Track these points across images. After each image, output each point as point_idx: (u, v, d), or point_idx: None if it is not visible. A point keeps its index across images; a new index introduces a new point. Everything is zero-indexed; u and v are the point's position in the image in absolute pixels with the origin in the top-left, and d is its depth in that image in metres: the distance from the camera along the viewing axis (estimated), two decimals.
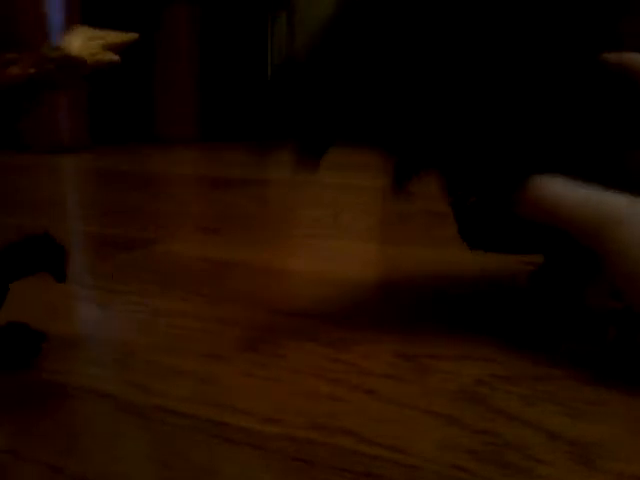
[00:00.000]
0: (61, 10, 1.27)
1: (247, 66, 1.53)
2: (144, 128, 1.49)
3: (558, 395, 0.31)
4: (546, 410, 0.29)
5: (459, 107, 0.34)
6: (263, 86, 0.36)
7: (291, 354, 0.36)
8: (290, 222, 0.74)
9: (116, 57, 0.29)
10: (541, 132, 0.34)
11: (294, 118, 0.37)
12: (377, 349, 0.36)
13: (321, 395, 0.31)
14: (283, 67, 0.38)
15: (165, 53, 1.42)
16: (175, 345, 0.37)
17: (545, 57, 0.33)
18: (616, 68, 0.34)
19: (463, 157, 0.35)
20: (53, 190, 0.96)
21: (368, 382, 0.32)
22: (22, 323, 0.33)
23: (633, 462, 0.25)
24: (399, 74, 0.34)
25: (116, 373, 0.33)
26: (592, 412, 0.29)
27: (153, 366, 0.34)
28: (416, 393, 0.31)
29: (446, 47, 0.34)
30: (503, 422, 0.28)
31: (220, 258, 0.56)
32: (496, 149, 0.34)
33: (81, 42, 0.29)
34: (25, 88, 0.28)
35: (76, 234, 0.69)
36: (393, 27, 0.34)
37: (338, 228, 0.69)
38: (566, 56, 0.34)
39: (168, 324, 0.40)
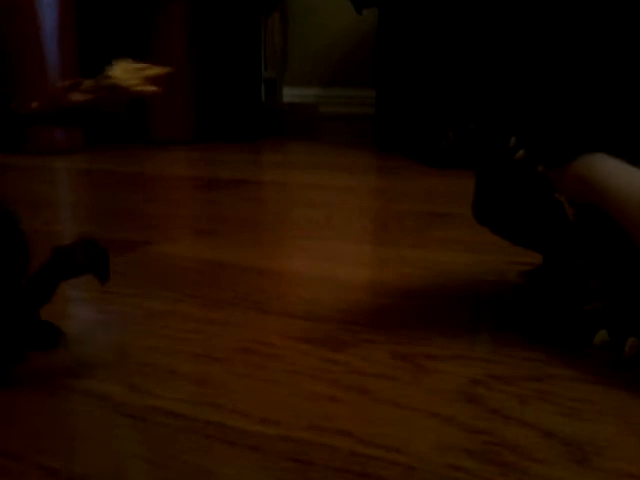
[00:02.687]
0: (55, 10, 1.26)
1: (241, 67, 1.53)
2: (138, 130, 1.48)
3: (553, 394, 0.31)
4: (541, 409, 0.30)
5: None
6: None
7: (287, 355, 0.36)
8: (284, 223, 0.74)
9: (156, 89, 0.33)
10: (603, 110, 0.34)
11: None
12: (373, 350, 0.36)
13: (318, 396, 0.31)
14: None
15: (159, 54, 1.42)
16: (171, 347, 0.37)
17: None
18: None
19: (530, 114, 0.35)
20: (47, 192, 0.96)
21: (364, 383, 0.32)
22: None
23: (628, 460, 0.26)
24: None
25: (112, 375, 0.33)
26: (587, 411, 0.29)
27: (149, 368, 0.34)
28: (412, 393, 0.31)
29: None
30: (499, 421, 0.28)
31: (215, 260, 0.56)
32: (565, 115, 0.34)
33: (125, 73, 0.32)
34: (80, 112, 0.32)
35: (70, 236, 0.69)
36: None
37: (331, 229, 0.69)
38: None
39: (164, 326, 0.40)
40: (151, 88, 0.33)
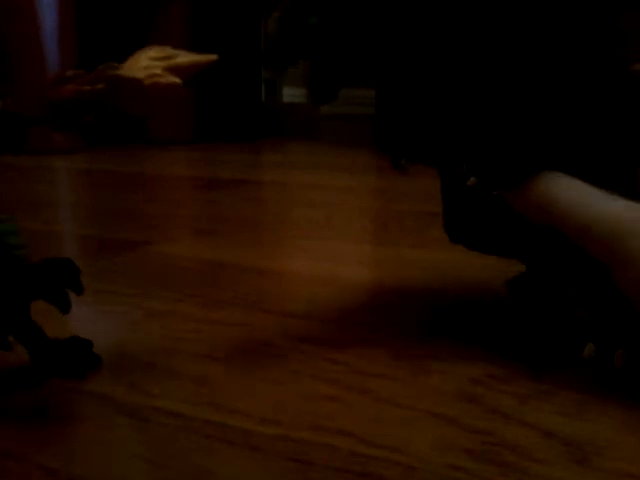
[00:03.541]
0: (55, 10, 1.26)
1: (241, 67, 1.53)
2: (138, 130, 1.48)
3: (553, 394, 0.31)
4: (541, 409, 0.30)
5: (474, 92, 0.34)
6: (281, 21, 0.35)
7: (287, 355, 0.36)
8: (284, 223, 0.74)
9: (176, 79, 0.28)
10: (555, 127, 0.33)
11: (311, 50, 0.35)
12: (373, 350, 0.36)
13: (318, 396, 0.31)
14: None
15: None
16: (171, 347, 0.37)
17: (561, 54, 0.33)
18: None
19: (474, 138, 0.34)
20: (47, 192, 0.96)
21: (365, 382, 0.32)
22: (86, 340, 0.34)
23: (628, 460, 0.26)
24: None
25: (112, 375, 0.33)
26: (587, 411, 0.29)
27: (149, 368, 0.34)
28: (413, 393, 0.31)
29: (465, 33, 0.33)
30: (499, 421, 0.28)
31: (215, 259, 0.56)
32: (510, 136, 0.34)
33: (144, 62, 0.28)
34: (75, 105, 0.28)
35: (70, 236, 0.69)
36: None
37: (331, 229, 0.69)
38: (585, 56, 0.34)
39: (164, 326, 0.40)
40: (172, 79, 0.28)
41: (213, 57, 0.29)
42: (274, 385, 0.32)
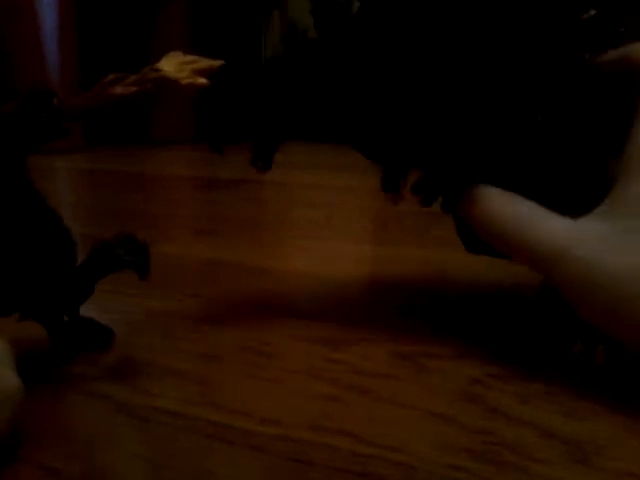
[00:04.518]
0: (55, 10, 1.26)
1: (241, 66, 1.54)
2: (139, 129, 1.48)
3: (553, 394, 0.31)
4: (541, 409, 0.30)
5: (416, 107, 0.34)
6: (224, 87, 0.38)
7: (287, 354, 0.36)
8: (284, 223, 0.74)
9: (206, 81, 0.32)
10: (490, 139, 0.33)
11: (249, 118, 0.39)
12: (373, 349, 0.36)
13: (318, 395, 0.31)
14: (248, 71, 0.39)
15: (159, 54, 1.42)
16: (171, 346, 0.37)
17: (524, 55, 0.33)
18: (613, 64, 0.33)
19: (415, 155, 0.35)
20: (47, 191, 0.96)
21: (365, 382, 0.32)
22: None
23: (629, 460, 0.26)
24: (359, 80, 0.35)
25: (112, 374, 0.33)
26: (587, 410, 0.29)
27: (149, 367, 0.34)
28: (413, 393, 0.31)
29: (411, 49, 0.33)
30: (499, 421, 0.28)
31: (215, 259, 0.56)
32: (444, 150, 0.34)
33: (175, 66, 0.32)
34: (125, 105, 0.31)
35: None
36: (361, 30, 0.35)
37: (331, 229, 0.69)
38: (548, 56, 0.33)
39: (164, 325, 0.40)
40: (201, 80, 0.32)
41: (221, 62, 0.34)
42: (274, 385, 0.32)
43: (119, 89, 0.31)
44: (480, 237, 0.33)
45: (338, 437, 0.27)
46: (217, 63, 0.33)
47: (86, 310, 0.37)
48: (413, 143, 0.34)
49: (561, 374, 0.33)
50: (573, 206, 0.31)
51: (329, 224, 0.72)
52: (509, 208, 0.32)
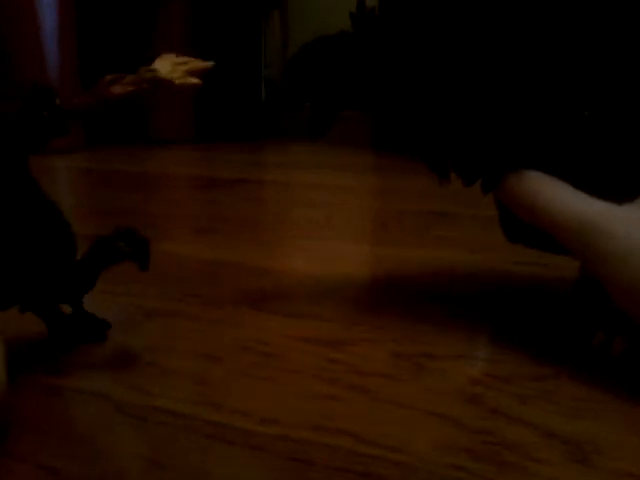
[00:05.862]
0: (55, 10, 1.26)
1: (241, 67, 1.53)
2: (139, 129, 1.48)
3: (553, 394, 0.31)
4: (542, 409, 0.30)
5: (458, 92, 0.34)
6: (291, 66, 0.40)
7: (288, 354, 0.36)
8: (284, 223, 0.74)
9: (199, 81, 0.34)
10: (530, 124, 0.34)
11: (309, 90, 0.39)
12: (374, 349, 0.36)
13: (318, 395, 0.31)
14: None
15: (159, 54, 1.42)
16: (171, 346, 0.37)
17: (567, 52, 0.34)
18: None
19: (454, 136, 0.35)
20: (48, 191, 0.96)
21: (365, 382, 0.32)
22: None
23: (628, 460, 0.26)
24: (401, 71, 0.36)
25: (112, 374, 0.33)
26: (587, 410, 0.29)
27: (149, 367, 0.34)
28: (413, 393, 0.31)
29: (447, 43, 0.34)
30: (499, 421, 0.28)
31: (215, 259, 0.56)
32: (484, 134, 0.34)
33: (169, 67, 0.33)
34: (121, 104, 0.32)
35: None
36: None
37: (331, 229, 0.69)
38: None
39: (164, 325, 0.40)
40: (194, 81, 0.33)
41: (211, 64, 0.34)
42: (274, 385, 0.32)
43: (118, 89, 0.32)
44: (521, 217, 0.34)
45: (338, 437, 0.27)
46: (209, 64, 0.34)
47: (87, 309, 0.37)
48: (463, 126, 0.35)
49: (561, 375, 0.33)
50: (614, 195, 0.32)
51: (329, 224, 0.72)
52: (552, 189, 0.32)
